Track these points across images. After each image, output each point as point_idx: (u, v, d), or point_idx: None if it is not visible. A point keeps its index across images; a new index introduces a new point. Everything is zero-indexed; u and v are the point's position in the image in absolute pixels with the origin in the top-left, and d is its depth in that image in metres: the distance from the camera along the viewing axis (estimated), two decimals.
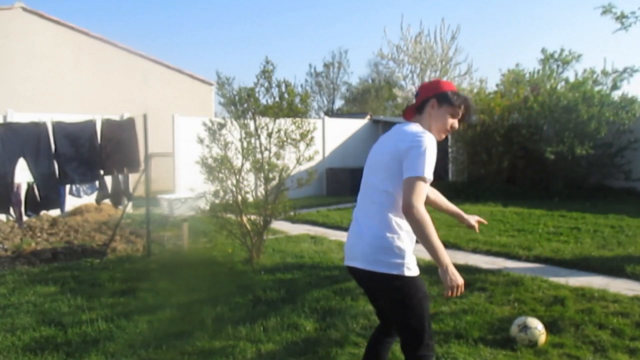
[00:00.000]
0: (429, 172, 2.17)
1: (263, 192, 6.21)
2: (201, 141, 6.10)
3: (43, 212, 7.00)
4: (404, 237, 2.28)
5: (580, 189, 11.96)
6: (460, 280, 2.16)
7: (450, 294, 2.15)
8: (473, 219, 2.97)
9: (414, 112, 2.49)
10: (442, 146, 14.17)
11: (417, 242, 2.33)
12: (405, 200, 2.14)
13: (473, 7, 46.19)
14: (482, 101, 13.26)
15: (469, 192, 11.99)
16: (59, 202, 6.41)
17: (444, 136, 2.47)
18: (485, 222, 3.03)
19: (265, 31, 52.53)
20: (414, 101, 2.54)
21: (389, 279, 2.24)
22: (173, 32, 52.89)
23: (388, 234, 2.26)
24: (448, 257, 2.16)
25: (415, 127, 2.35)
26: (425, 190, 2.17)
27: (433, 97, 2.42)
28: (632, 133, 11.99)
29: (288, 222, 8.84)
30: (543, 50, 19.62)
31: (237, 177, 6.02)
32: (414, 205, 2.12)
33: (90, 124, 6.56)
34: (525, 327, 3.61)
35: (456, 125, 2.46)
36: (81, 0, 43.26)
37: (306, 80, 36.25)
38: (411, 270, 2.27)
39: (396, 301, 2.30)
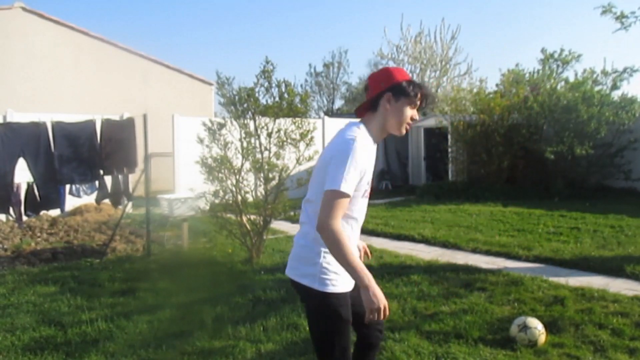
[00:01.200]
0: (347, 186, 1.97)
1: (263, 192, 6.21)
2: (201, 141, 6.10)
3: (43, 212, 7.00)
4: (320, 249, 2.12)
5: (580, 189, 11.97)
6: (383, 301, 1.95)
7: (372, 316, 1.95)
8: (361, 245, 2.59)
9: (367, 108, 2.23)
10: (442, 146, 14.29)
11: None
12: (319, 216, 1.96)
13: (473, 7, 46.14)
14: (482, 101, 13.26)
15: (469, 192, 11.99)
16: (59, 202, 6.41)
17: (405, 130, 2.24)
18: (369, 256, 2.67)
19: (265, 31, 52.51)
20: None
21: (305, 291, 2.13)
22: (173, 32, 52.86)
23: (305, 244, 2.16)
24: (369, 277, 1.95)
25: (350, 131, 2.10)
26: (342, 206, 1.97)
27: (387, 91, 2.15)
28: (632, 133, 11.99)
29: (288, 222, 8.84)
30: (543, 50, 19.61)
31: (237, 177, 6.02)
32: (326, 222, 1.94)
33: (90, 124, 6.55)
34: (525, 327, 3.61)
35: (416, 115, 2.21)
36: (81, 0, 43.25)
37: (306, 80, 36.20)
38: (324, 284, 2.10)
39: (309, 316, 2.21)
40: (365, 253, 2.60)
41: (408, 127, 2.23)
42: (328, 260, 2.11)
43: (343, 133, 2.13)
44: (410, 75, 2.22)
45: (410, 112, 2.19)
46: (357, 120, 2.23)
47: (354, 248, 2.24)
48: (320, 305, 2.12)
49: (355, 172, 2.00)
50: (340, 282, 2.14)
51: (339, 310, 2.12)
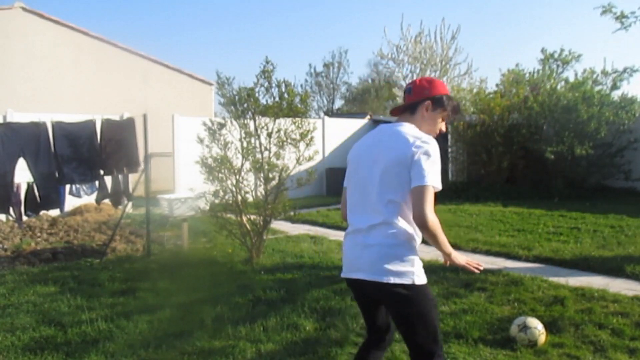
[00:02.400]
0: (437, 180, 2.17)
1: (263, 192, 6.21)
2: (201, 141, 6.10)
3: (43, 212, 7.00)
4: (412, 246, 2.24)
5: (580, 189, 11.97)
6: (465, 257, 2.32)
7: (470, 269, 2.30)
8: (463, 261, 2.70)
9: (404, 110, 2.41)
10: (442, 146, 14.22)
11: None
12: (416, 210, 2.10)
13: (473, 7, 46.19)
14: (482, 101, 13.27)
15: (469, 192, 11.99)
16: (59, 202, 6.41)
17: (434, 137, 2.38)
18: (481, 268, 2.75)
19: (265, 31, 52.51)
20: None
21: (399, 289, 2.17)
22: (173, 32, 52.87)
23: (396, 243, 2.20)
24: (450, 247, 2.28)
25: (415, 131, 2.27)
26: (432, 197, 2.15)
27: (428, 100, 2.36)
28: (631, 133, 11.99)
29: (288, 222, 8.83)
30: (543, 50, 19.63)
31: (237, 177, 6.02)
32: (426, 214, 2.09)
33: (90, 124, 6.55)
34: (525, 327, 3.61)
35: (444, 128, 2.47)
36: (81, 0, 43.25)
37: (306, 80, 36.22)
38: (420, 278, 2.22)
39: (407, 311, 2.22)
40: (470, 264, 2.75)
41: (435, 136, 2.39)
42: (415, 256, 2.26)
43: (410, 132, 2.25)
44: (447, 88, 2.45)
45: (441, 124, 2.44)
46: (402, 121, 2.35)
47: None
48: (422, 296, 2.22)
49: (439, 168, 2.22)
50: (424, 273, 2.28)
51: (432, 296, 2.30)
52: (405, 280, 2.17)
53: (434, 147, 2.19)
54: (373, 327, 2.47)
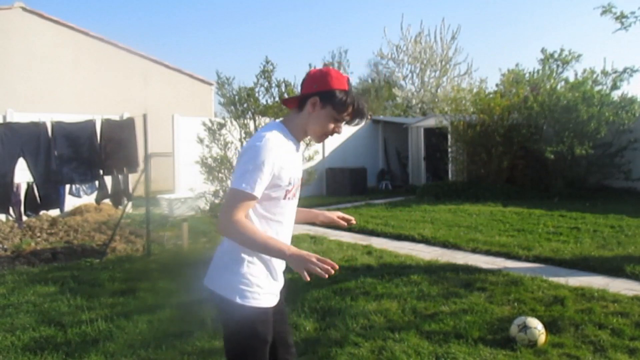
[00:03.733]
0: (247, 184, 1.85)
1: None
2: (201, 141, 6.11)
3: (43, 212, 6.99)
4: (247, 261, 1.97)
5: (580, 189, 11.97)
6: (311, 256, 1.81)
7: (309, 276, 1.80)
8: (335, 215, 2.44)
9: (294, 103, 2.08)
10: (442, 146, 14.30)
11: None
12: (220, 215, 1.87)
13: (473, 7, 46.17)
14: (482, 101, 13.27)
15: (469, 192, 11.99)
16: (59, 202, 6.41)
17: (322, 140, 2.12)
18: (353, 221, 2.42)
19: (265, 31, 52.51)
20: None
21: (223, 302, 1.97)
22: (173, 32, 52.88)
23: (229, 250, 2.00)
24: (289, 247, 1.87)
25: (264, 130, 1.99)
26: (243, 204, 1.87)
27: (316, 95, 1.99)
28: (632, 133, 11.99)
29: None
30: (543, 50, 19.65)
31: None
32: (226, 218, 1.85)
33: (90, 124, 6.55)
34: (525, 327, 3.61)
35: (340, 130, 2.07)
36: (81, 0, 43.26)
37: None
38: (249, 299, 1.94)
39: (224, 329, 2.04)
40: (343, 219, 2.42)
41: (326, 137, 2.09)
42: (252, 271, 1.96)
43: (258, 132, 2.02)
44: (349, 86, 2.05)
45: (333, 126, 2.04)
46: (278, 120, 2.12)
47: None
48: (238, 319, 1.95)
49: (260, 172, 1.87)
50: (262, 296, 1.98)
51: (257, 327, 1.96)
52: (225, 294, 1.95)
53: (257, 147, 1.88)
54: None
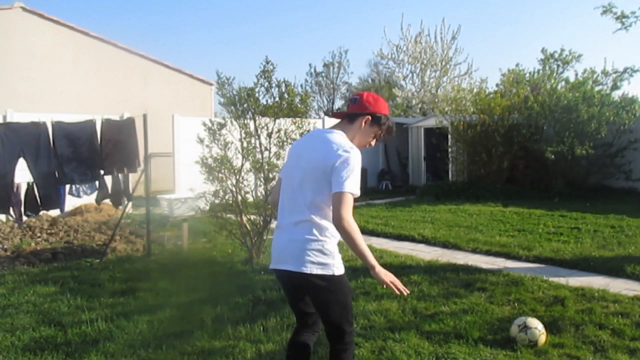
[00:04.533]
0: (356, 188, 2.31)
1: (263, 192, 6.20)
2: (201, 141, 6.10)
3: (43, 212, 6.98)
4: (332, 242, 2.42)
5: (581, 189, 11.97)
6: (391, 275, 2.33)
7: (392, 287, 2.31)
8: None
9: (344, 117, 2.59)
10: (442, 146, 14.28)
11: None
12: (335, 213, 2.26)
13: (473, 7, 46.16)
14: (482, 101, 13.27)
15: (469, 192, 11.99)
16: (59, 202, 6.41)
17: (360, 148, 2.55)
18: None
19: (265, 31, 52.50)
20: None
21: (320, 279, 2.38)
22: (173, 32, 52.86)
23: (317, 239, 2.39)
24: (374, 259, 2.31)
25: (342, 139, 2.43)
26: (352, 203, 2.30)
27: (369, 115, 2.52)
28: (632, 133, 11.99)
29: None
30: (543, 50, 19.64)
31: (237, 177, 6.02)
32: (344, 218, 2.24)
33: (90, 123, 6.55)
34: (525, 327, 3.61)
35: (373, 143, 2.63)
36: (81, 0, 43.25)
37: (306, 80, 36.08)
38: (339, 269, 2.43)
39: (327, 298, 2.45)
40: None
41: (364, 148, 2.58)
42: (335, 249, 2.44)
43: (337, 140, 2.41)
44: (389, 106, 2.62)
45: (373, 139, 2.60)
46: (336, 129, 2.52)
47: None
48: (340, 286, 2.45)
49: (358, 176, 2.34)
50: (342, 263, 2.47)
51: (349, 285, 2.54)
52: (326, 272, 2.39)
53: (354, 156, 2.34)
54: (300, 314, 2.67)
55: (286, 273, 2.45)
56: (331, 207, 2.32)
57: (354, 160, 2.33)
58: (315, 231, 2.39)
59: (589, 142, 11.73)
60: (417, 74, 21.05)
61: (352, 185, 2.29)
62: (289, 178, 2.53)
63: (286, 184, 2.55)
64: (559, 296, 4.63)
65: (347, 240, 2.26)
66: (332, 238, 2.42)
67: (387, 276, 2.31)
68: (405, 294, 2.33)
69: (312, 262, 2.38)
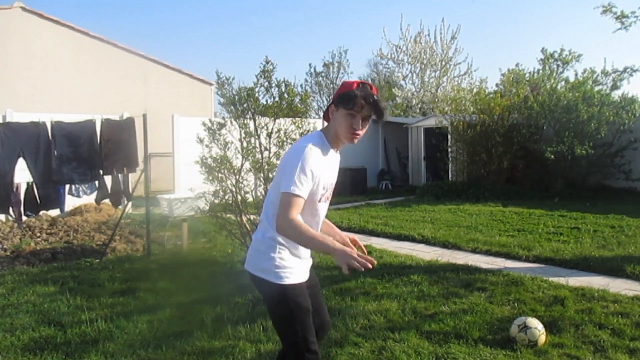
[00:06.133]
0: (300, 190, 2.10)
1: (263, 192, 6.20)
2: (201, 141, 6.09)
3: (42, 212, 6.99)
4: (281, 246, 2.26)
5: (580, 189, 11.97)
6: (353, 253, 1.96)
7: (355, 266, 1.92)
8: (348, 238, 2.53)
9: (326, 117, 2.38)
10: (442, 146, 14.28)
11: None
12: (277, 215, 2.10)
13: (473, 7, 46.19)
14: (482, 101, 13.26)
15: (469, 192, 11.99)
16: (59, 202, 6.40)
17: (354, 140, 2.29)
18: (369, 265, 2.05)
19: (265, 31, 52.51)
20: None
21: (262, 283, 2.28)
22: (173, 32, 52.87)
23: (265, 240, 2.29)
24: (334, 243, 2.04)
25: (306, 140, 2.26)
26: (297, 205, 2.09)
27: (332, 102, 2.31)
28: (632, 133, 11.99)
29: None
30: (543, 50, 19.66)
31: (237, 177, 6.02)
32: (285, 218, 2.07)
33: (90, 123, 6.55)
34: (525, 327, 3.61)
35: (359, 124, 2.23)
36: (81, 0, 43.25)
37: (306, 80, 36.06)
38: (283, 278, 2.23)
39: (268, 308, 2.35)
40: (355, 243, 2.53)
41: (354, 136, 2.27)
42: (282, 255, 2.27)
43: (301, 141, 2.31)
44: (360, 86, 2.25)
45: (351, 121, 2.23)
46: (319, 130, 2.38)
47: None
48: (279, 296, 2.25)
49: (305, 177, 2.13)
50: (294, 274, 2.28)
51: (296, 299, 2.25)
52: (264, 276, 2.26)
53: (306, 155, 2.14)
54: None
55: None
56: None
57: (302, 158, 2.12)
58: (263, 231, 2.31)
59: (588, 142, 11.73)
60: (416, 74, 21.05)
61: (294, 186, 2.08)
62: None
63: None
64: (559, 296, 4.63)
65: (295, 238, 2.10)
66: (278, 245, 2.26)
67: (345, 257, 1.93)
68: (370, 266, 1.92)
69: (254, 264, 2.31)
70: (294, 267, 2.29)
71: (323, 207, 2.39)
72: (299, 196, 2.10)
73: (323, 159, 2.24)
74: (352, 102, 2.21)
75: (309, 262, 2.45)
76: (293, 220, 2.07)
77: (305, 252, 2.38)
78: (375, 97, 2.24)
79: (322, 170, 2.22)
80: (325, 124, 2.40)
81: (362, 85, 2.26)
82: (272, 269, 2.25)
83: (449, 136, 13.91)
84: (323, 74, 35.67)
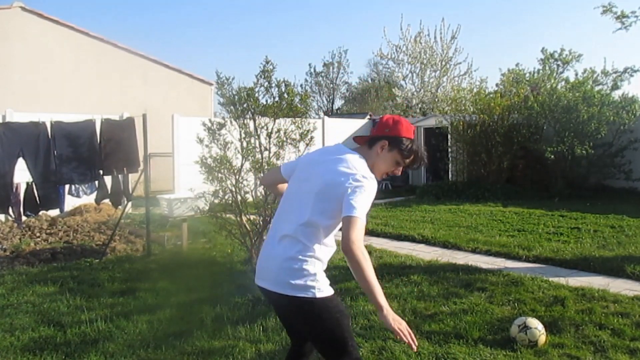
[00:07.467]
0: (365, 214, 2.10)
1: (262, 192, 6.19)
2: (201, 141, 6.09)
3: (42, 212, 6.99)
4: (315, 263, 2.19)
5: (581, 189, 11.96)
6: (402, 321, 2.01)
7: (400, 337, 1.97)
8: None
9: (365, 142, 2.35)
10: (442, 146, 14.27)
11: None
12: (345, 237, 2.01)
13: (473, 6, 46.22)
14: (482, 101, 13.26)
15: (469, 192, 11.99)
16: (58, 202, 6.40)
17: (383, 177, 2.34)
18: None
19: (265, 31, 52.54)
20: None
21: (299, 302, 2.16)
22: (173, 32, 52.89)
23: (298, 258, 2.16)
24: (385, 300, 2.01)
25: (361, 164, 2.21)
26: (363, 230, 2.07)
27: (386, 139, 2.28)
28: (632, 133, 11.98)
29: None
30: (543, 50, 19.67)
31: (237, 177, 6.01)
32: (354, 242, 1.98)
33: (90, 123, 6.55)
34: (525, 327, 3.60)
35: (398, 172, 2.35)
36: (81, 0, 43.25)
37: (306, 80, 36.16)
38: (322, 291, 2.17)
39: (311, 325, 2.23)
40: None
41: (386, 176, 2.35)
42: (317, 269, 2.19)
43: (355, 163, 2.19)
44: (414, 135, 2.34)
45: (395, 166, 2.32)
46: (358, 153, 2.28)
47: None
48: (325, 310, 2.17)
49: (369, 204, 2.12)
50: (328, 286, 2.23)
51: (339, 307, 2.22)
52: (305, 294, 2.14)
53: (370, 185, 2.14)
54: (292, 339, 2.54)
55: (265, 291, 2.28)
56: (326, 231, 2.18)
57: (370, 188, 2.12)
58: (298, 250, 2.17)
59: (589, 142, 11.72)
60: (416, 74, 21.03)
61: (364, 212, 2.06)
62: (291, 191, 2.35)
63: (286, 198, 2.36)
64: (559, 296, 4.63)
65: (355, 267, 1.99)
66: (316, 261, 2.18)
67: (396, 322, 1.97)
68: (414, 348, 2.01)
69: (288, 283, 2.15)
70: (326, 280, 2.24)
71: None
72: (362, 221, 2.06)
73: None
74: (411, 155, 2.30)
75: None
76: (363, 249, 2.00)
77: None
78: (425, 155, 2.38)
79: None
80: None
81: (414, 132, 2.34)
82: (312, 284, 2.15)
83: (449, 136, 13.91)
84: (323, 74, 35.71)
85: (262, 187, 5.30)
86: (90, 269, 6.00)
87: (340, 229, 2.12)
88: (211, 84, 16.80)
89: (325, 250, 2.24)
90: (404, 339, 1.96)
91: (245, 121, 6.03)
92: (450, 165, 14.13)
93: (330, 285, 2.23)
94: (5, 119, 8.83)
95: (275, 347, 3.66)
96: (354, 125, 15.82)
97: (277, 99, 6.06)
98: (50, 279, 5.51)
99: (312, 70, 35.60)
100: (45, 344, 3.82)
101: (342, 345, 2.19)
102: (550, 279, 5.24)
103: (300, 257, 2.16)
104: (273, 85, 6.05)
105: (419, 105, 20.34)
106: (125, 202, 7.10)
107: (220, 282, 5.38)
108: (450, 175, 14.18)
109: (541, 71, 17.72)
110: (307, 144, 6.09)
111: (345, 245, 1.99)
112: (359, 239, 2.00)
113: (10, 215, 6.22)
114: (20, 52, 13.07)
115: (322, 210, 2.16)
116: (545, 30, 45.93)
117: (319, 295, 2.15)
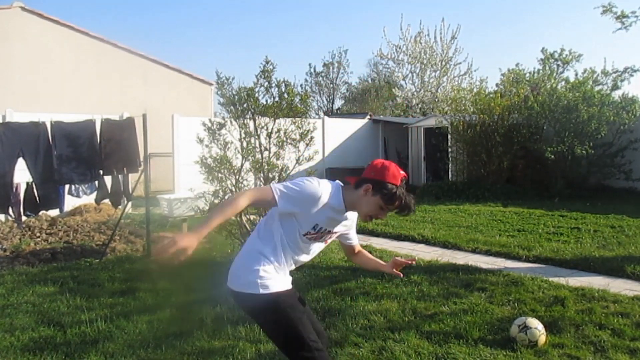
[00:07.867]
0: (282, 195, 2.15)
1: None
2: (201, 141, 6.09)
3: (42, 212, 6.99)
4: (263, 261, 2.25)
5: (581, 189, 11.95)
6: (184, 242, 2.17)
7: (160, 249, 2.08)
8: (390, 268, 2.67)
9: (354, 181, 2.37)
10: (442, 146, 14.26)
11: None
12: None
13: (473, 6, 46.23)
14: (482, 101, 13.26)
15: (469, 192, 11.98)
16: (58, 202, 6.40)
17: (366, 220, 2.35)
18: (412, 262, 2.75)
19: (265, 31, 52.54)
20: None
21: (248, 298, 2.24)
22: (173, 32, 52.90)
23: (250, 255, 2.28)
24: (203, 232, 2.20)
25: (332, 186, 2.31)
26: (264, 197, 2.15)
27: (370, 182, 2.27)
28: (632, 133, 11.98)
29: None
30: (543, 50, 19.67)
31: (237, 177, 6.01)
32: (245, 191, 2.15)
33: (90, 123, 6.54)
34: (525, 327, 3.60)
35: (383, 216, 2.33)
36: (81, 0, 43.25)
37: (306, 80, 36.15)
38: (267, 287, 2.21)
39: (264, 323, 2.33)
40: (401, 264, 2.65)
41: (370, 220, 2.34)
42: (266, 268, 2.24)
43: (326, 183, 2.30)
44: (402, 183, 2.31)
45: (378, 212, 2.28)
46: (345, 184, 2.36)
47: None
48: (269, 305, 2.21)
49: (296, 195, 2.16)
50: (279, 282, 2.26)
51: (286, 300, 2.25)
52: (250, 290, 2.21)
53: (313, 185, 2.20)
54: None
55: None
56: (284, 231, 2.26)
57: (310, 189, 2.19)
58: (250, 247, 2.31)
59: (589, 142, 11.72)
60: (417, 74, 21.04)
61: (281, 188, 2.16)
62: None
63: None
64: (559, 296, 4.63)
65: (223, 202, 2.15)
66: (264, 258, 2.25)
67: (175, 239, 2.12)
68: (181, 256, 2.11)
69: (237, 278, 2.27)
70: (278, 278, 2.27)
71: (311, 245, 2.36)
72: (272, 192, 2.14)
73: (328, 204, 2.22)
74: (394, 201, 2.26)
75: (289, 278, 2.42)
76: (242, 198, 2.09)
77: (287, 267, 2.35)
78: (413, 203, 2.33)
79: (320, 210, 2.20)
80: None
81: (403, 180, 2.29)
82: (256, 280, 2.21)
83: (449, 136, 13.90)
84: (323, 74, 35.69)
85: None
86: (90, 269, 6.00)
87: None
88: (211, 84, 16.80)
89: (282, 251, 2.28)
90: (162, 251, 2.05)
91: (245, 121, 6.03)
92: (450, 165, 14.12)
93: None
94: (5, 119, 8.83)
95: (275, 348, 3.66)
96: (353, 125, 15.82)
97: (277, 99, 6.07)
98: (50, 279, 5.51)
99: (312, 70, 35.60)
100: (45, 344, 3.82)
101: (297, 340, 2.19)
102: (550, 279, 5.23)
103: (249, 254, 2.28)
104: (273, 85, 6.06)
105: (419, 105, 20.35)
106: (125, 202, 7.10)
107: (220, 282, 5.35)
108: (450, 175, 14.17)
109: (541, 71, 17.73)
110: (307, 144, 6.09)
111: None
112: (251, 191, 2.14)
113: (10, 215, 6.22)
114: (20, 52, 13.06)
115: (274, 210, 2.27)
116: (545, 30, 45.98)
117: (262, 291, 2.20)
